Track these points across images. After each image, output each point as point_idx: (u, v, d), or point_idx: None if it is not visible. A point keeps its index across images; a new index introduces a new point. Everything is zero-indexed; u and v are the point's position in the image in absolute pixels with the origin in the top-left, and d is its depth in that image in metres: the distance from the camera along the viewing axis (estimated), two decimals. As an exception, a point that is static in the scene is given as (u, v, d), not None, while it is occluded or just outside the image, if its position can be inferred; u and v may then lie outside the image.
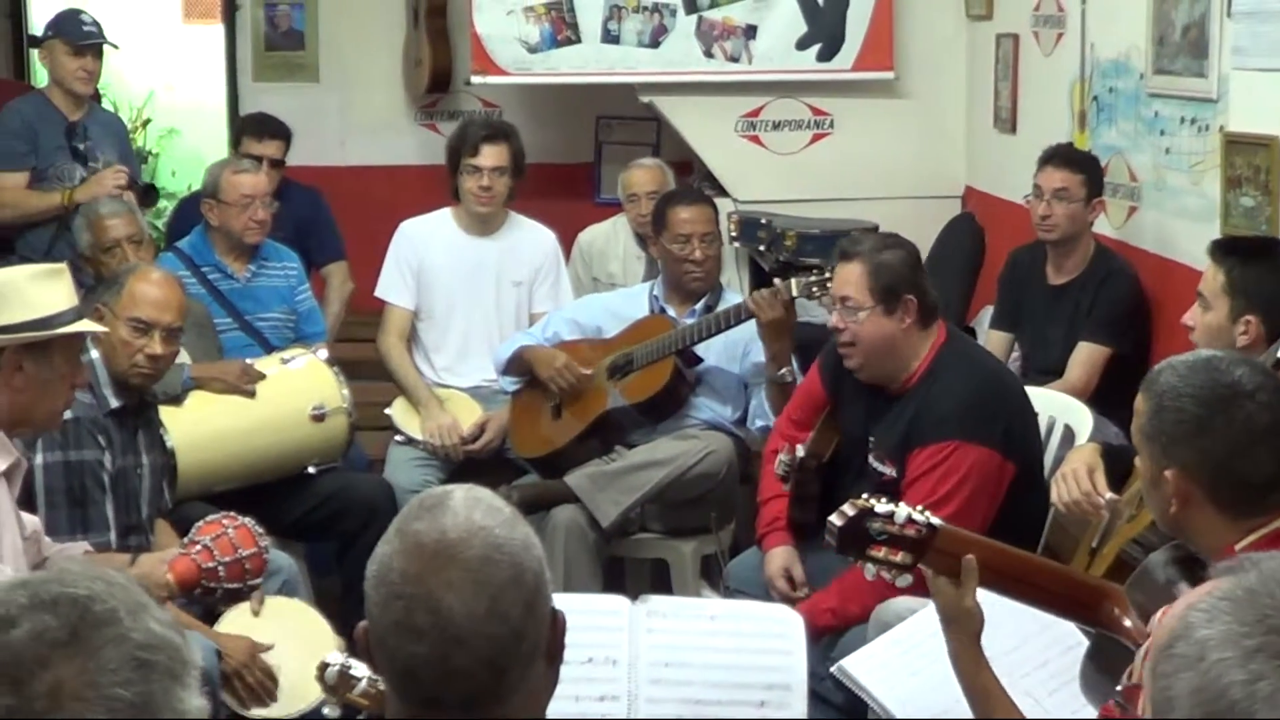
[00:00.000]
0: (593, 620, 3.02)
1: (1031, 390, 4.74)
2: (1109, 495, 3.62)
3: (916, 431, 4.13)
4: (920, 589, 3.30)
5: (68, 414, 3.88)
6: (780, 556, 4.41)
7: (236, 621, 4.10)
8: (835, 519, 2.81)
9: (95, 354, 4.19)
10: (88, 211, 5.36)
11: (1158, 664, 1.53)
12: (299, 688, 4.04)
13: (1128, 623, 2.77)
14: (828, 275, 4.74)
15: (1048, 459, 4.56)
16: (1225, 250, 3.97)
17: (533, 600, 1.84)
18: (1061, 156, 5.39)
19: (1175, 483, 2.56)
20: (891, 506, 2.79)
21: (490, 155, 5.71)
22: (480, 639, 1.80)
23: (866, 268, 4.24)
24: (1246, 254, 3.94)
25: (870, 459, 4.27)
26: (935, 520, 2.81)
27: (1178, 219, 5.18)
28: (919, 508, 2.82)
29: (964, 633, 2.83)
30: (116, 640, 1.44)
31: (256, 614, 4.11)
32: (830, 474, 4.42)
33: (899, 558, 2.80)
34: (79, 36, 6.15)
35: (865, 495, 2.84)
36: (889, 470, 4.18)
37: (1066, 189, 5.28)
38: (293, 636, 4.13)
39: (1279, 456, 2.54)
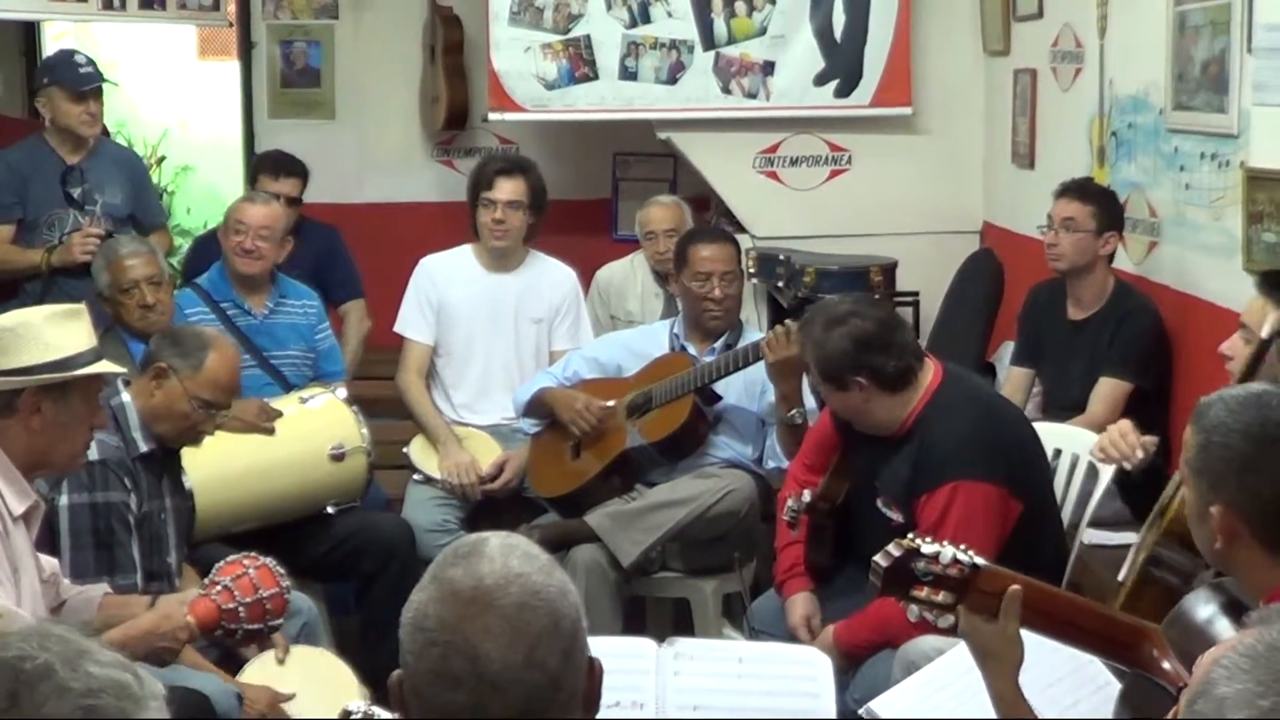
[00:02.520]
0: (619, 663, 3.00)
1: (1053, 426, 4.72)
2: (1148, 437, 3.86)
3: (919, 477, 4.11)
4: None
5: (94, 456, 3.87)
6: (801, 604, 4.40)
7: (262, 670, 4.07)
8: (880, 559, 2.78)
9: (126, 396, 4.18)
10: (107, 251, 5.33)
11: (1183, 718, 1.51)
12: None
13: (1166, 665, 2.73)
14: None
15: (1071, 494, 4.54)
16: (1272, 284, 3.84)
17: (570, 648, 1.83)
18: (1074, 189, 5.41)
19: (1220, 519, 2.53)
20: (937, 546, 2.76)
21: (504, 189, 5.70)
22: (518, 687, 1.78)
23: (811, 350, 4.24)
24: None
25: (878, 504, 4.25)
26: (979, 560, 2.78)
27: (1198, 254, 5.16)
28: (963, 547, 2.79)
29: (1006, 667, 2.79)
30: (57, 694, 1.44)
31: (282, 662, 4.09)
32: (844, 517, 4.40)
33: (940, 597, 2.77)
34: (78, 81, 6.03)
35: (911, 535, 2.81)
36: (896, 515, 4.16)
37: (1074, 219, 5.29)
38: (317, 684, 4.10)
39: None
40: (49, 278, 5.85)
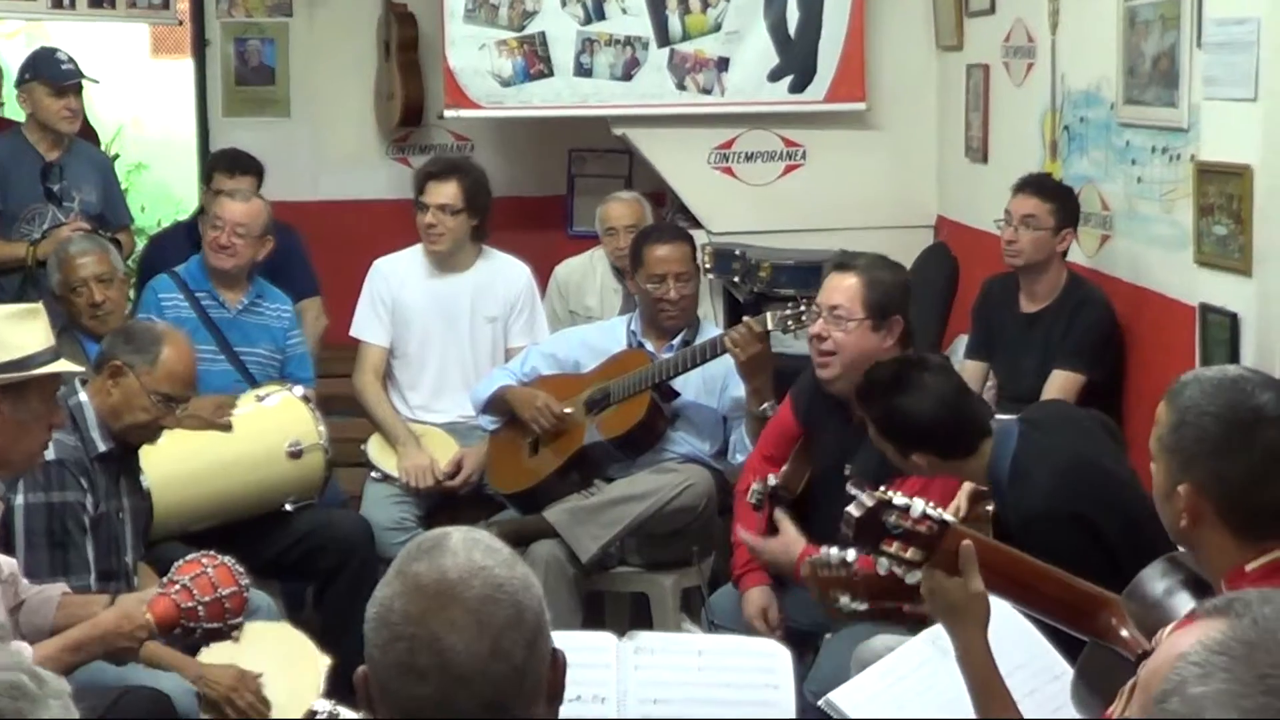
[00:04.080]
0: (580, 657, 2.99)
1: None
2: None
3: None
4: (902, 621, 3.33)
5: (51, 455, 3.85)
6: (758, 597, 4.43)
7: (219, 650, 4.06)
8: (853, 509, 2.80)
9: (83, 396, 4.16)
10: (59, 250, 5.34)
11: (1151, 715, 1.51)
12: (288, 709, 4.01)
13: (1125, 633, 2.76)
14: (803, 308, 4.73)
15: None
16: (860, 396, 3.96)
17: (534, 640, 1.83)
18: (1034, 185, 5.43)
19: (1187, 499, 2.53)
20: (908, 500, 2.78)
21: (435, 193, 5.70)
22: (484, 679, 1.79)
23: (863, 280, 4.31)
24: (872, 398, 3.91)
25: (849, 487, 4.25)
26: (947, 516, 2.80)
27: (1150, 247, 5.21)
28: (932, 504, 2.81)
29: (974, 622, 2.80)
30: None
31: (237, 640, 4.08)
32: (802, 507, 4.41)
33: (909, 554, 2.79)
34: (59, 77, 6.14)
35: (883, 488, 2.84)
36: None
37: (1034, 215, 5.31)
38: (276, 657, 4.10)
39: None
40: (31, 271, 5.85)
